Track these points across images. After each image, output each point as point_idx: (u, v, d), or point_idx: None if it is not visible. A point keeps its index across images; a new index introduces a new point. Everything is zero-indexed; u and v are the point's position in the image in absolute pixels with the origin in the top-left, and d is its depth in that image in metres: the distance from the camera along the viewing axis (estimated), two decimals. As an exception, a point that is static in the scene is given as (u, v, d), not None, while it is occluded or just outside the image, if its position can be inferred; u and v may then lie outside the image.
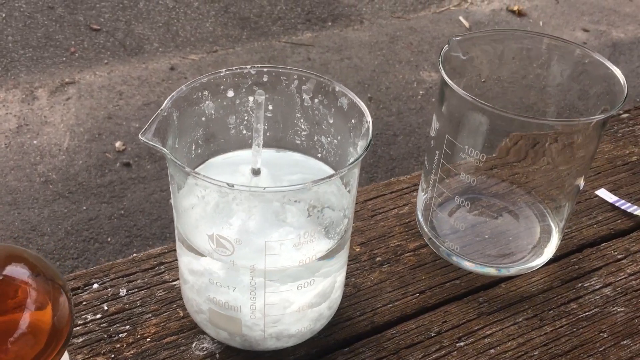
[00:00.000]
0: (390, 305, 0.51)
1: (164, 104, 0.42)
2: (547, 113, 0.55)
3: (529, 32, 0.54)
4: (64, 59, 1.68)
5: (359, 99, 0.43)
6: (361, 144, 0.42)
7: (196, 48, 1.79)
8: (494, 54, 0.55)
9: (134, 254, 0.53)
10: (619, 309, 0.52)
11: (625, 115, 0.77)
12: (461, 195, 0.54)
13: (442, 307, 0.52)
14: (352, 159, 0.41)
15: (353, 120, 0.44)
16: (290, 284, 0.42)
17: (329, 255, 0.43)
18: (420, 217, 0.57)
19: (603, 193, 0.64)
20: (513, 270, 0.54)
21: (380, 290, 0.53)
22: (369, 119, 0.42)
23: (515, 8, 2.63)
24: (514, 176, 0.58)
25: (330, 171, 0.47)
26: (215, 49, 1.80)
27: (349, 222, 0.45)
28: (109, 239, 1.20)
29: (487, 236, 0.55)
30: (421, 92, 1.79)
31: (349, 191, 0.43)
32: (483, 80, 0.54)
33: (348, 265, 0.55)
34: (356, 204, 0.62)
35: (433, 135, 0.52)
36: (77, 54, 1.69)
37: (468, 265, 0.54)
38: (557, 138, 0.50)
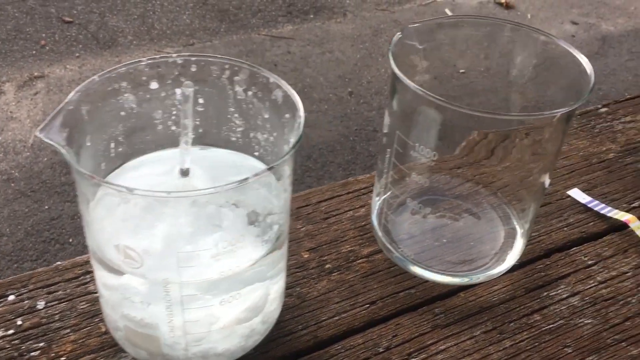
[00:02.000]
0: (337, 318, 0.47)
1: (69, 96, 0.37)
2: (512, 107, 0.51)
3: (493, 19, 0.50)
4: (34, 52, 1.62)
5: (293, 91, 0.39)
6: (293, 141, 0.37)
7: (172, 41, 1.73)
8: (454, 43, 0.51)
9: (58, 262, 0.49)
10: (586, 321, 0.48)
11: (604, 109, 0.72)
12: (415, 198, 0.50)
13: (394, 320, 0.47)
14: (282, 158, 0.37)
15: (287, 115, 0.39)
16: (212, 299, 0.37)
17: (259, 264, 0.39)
18: (374, 221, 0.52)
19: (575, 193, 0.60)
20: (474, 279, 0.50)
21: (327, 300, 0.48)
22: (302, 113, 0.37)
23: (503, 0, 2.58)
24: (478, 176, 0.54)
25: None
26: (192, 42, 1.75)
27: (284, 226, 0.40)
28: (70, 240, 1.16)
29: (445, 241, 0.51)
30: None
31: (284, 190, 0.39)
32: (441, 71, 0.50)
33: (294, 273, 0.50)
34: (308, 205, 0.57)
35: (385, 131, 0.48)
36: (47, 47, 1.64)
37: (424, 273, 0.50)
38: (520, 134, 0.46)
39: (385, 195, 0.51)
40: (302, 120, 0.37)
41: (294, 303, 0.48)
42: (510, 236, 0.52)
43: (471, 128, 0.44)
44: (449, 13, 2.37)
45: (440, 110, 0.43)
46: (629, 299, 0.50)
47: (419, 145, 0.44)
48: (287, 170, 0.38)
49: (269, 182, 0.38)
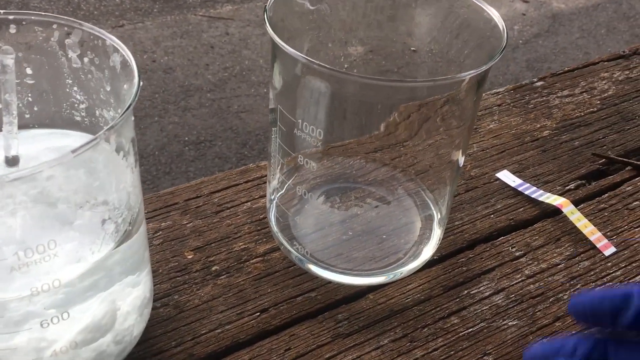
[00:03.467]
0: (219, 331, 0.39)
1: None
2: (419, 74, 0.44)
3: None
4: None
5: (131, 55, 0.31)
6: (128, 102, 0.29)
7: (99, 22, 1.62)
8: (353, 2, 0.43)
9: None
10: (510, 323, 0.41)
11: (540, 83, 0.66)
12: (316, 188, 0.42)
13: (289, 330, 0.40)
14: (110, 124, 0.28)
15: (125, 87, 0.31)
16: (27, 322, 0.29)
17: (93, 272, 0.31)
18: (270, 214, 0.45)
19: (505, 175, 0.53)
20: (383, 278, 0.43)
21: (210, 310, 0.41)
22: (136, 80, 0.29)
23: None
24: (387, 158, 0.47)
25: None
26: (122, 23, 1.64)
27: (130, 217, 0.32)
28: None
29: (351, 234, 0.44)
30: (346, 66, 1.67)
31: (128, 166, 0.31)
32: (333, 37, 0.43)
33: (173, 277, 0.43)
34: (199, 197, 0.49)
35: (270, 107, 0.40)
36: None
37: (325, 273, 0.42)
38: (428, 106, 0.39)
39: (277, 184, 0.43)
40: (136, 82, 0.29)
41: (169, 314, 0.40)
42: (427, 226, 0.45)
43: (366, 101, 0.36)
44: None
45: (326, 80, 0.35)
46: (560, 294, 0.43)
47: (302, 122, 0.36)
48: (125, 140, 0.30)
49: (99, 160, 0.30)
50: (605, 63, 0.70)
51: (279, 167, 0.42)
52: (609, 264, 0.46)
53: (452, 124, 0.38)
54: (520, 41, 2.04)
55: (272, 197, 0.44)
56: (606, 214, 0.50)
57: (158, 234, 0.46)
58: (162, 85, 1.47)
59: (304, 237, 0.43)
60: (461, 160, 0.41)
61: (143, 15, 1.68)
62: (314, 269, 0.42)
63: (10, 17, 0.32)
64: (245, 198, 0.49)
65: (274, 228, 0.44)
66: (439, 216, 0.44)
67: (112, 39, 0.31)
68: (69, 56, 0.33)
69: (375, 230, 0.45)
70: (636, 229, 0.49)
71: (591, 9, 2.30)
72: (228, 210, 0.48)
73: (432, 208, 0.45)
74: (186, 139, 1.34)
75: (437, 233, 0.44)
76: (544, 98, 0.64)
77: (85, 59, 0.33)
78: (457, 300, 0.43)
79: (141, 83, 0.29)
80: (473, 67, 0.34)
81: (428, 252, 0.44)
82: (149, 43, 1.60)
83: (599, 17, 2.24)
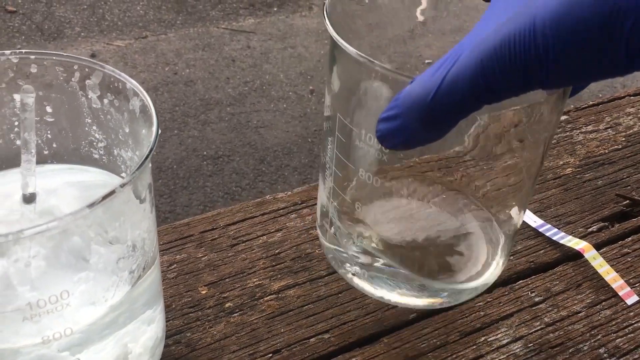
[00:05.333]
0: (230, 372, 0.39)
1: None
2: None
3: None
4: (-27, 43, 1.52)
5: (150, 100, 0.31)
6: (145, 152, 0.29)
7: (123, 33, 1.63)
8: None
9: None
10: (528, 375, 0.40)
11: (564, 117, 0.65)
12: (364, 202, 0.41)
13: (300, 373, 0.39)
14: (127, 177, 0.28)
15: (144, 131, 0.31)
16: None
17: (107, 314, 0.30)
18: (319, 230, 0.43)
19: (526, 215, 0.52)
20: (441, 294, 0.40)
21: (222, 349, 0.40)
22: (155, 128, 0.29)
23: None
24: (451, 178, 0.44)
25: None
26: (145, 34, 1.65)
27: (149, 261, 0.32)
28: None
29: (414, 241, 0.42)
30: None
31: (145, 214, 0.30)
32: (390, 35, 0.41)
33: (186, 313, 0.42)
34: (215, 229, 0.49)
35: (326, 115, 0.39)
36: (-13, 38, 1.53)
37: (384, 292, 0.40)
38: (499, 119, 0.36)
39: (330, 197, 0.41)
40: (155, 130, 0.29)
41: (181, 353, 0.40)
42: (493, 252, 0.43)
43: None
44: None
45: (390, 84, 0.32)
46: (580, 345, 0.42)
47: (365, 132, 0.35)
48: (142, 187, 0.30)
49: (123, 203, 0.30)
50: (632, 97, 0.68)
51: (330, 179, 0.39)
52: (631, 313, 0.45)
53: (533, 138, 0.36)
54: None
55: (323, 209, 0.42)
56: (629, 259, 0.49)
57: (173, 266, 0.45)
58: (182, 98, 1.48)
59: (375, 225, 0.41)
60: (530, 186, 0.39)
61: (166, 27, 1.69)
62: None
63: (32, 56, 0.33)
64: (261, 232, 0.49)
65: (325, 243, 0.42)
66: (505, 245, 0.42)
67: (132, 83, 0.31)
68: (89, 96, 0.33)
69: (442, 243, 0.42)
70: (660, 277, 0.47)
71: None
72: (243, 244, 0.48)
73: (499, 233, 0.43)
74: (205, 153, 1.34)
75: (501, 262, 0.42)
76: (568, 133, 0.63)
77: (105, 100, 0.33)
78: (474, 347, 0.42)
79: (159, 131, 0.29)
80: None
81: (488, 277, 0.41)
82: (171, 55, 1.62)
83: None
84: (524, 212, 0.41)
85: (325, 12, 0.34)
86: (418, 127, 0.26)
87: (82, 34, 1.59)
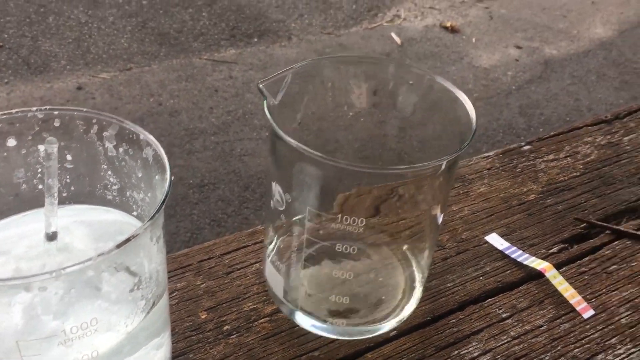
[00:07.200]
0: (231, 388, 0.43)
1: None
2: (392, 155, 0.49)
3: (347, 56, 0.48)
4: (-40, 77, 1.54)
5: (162, 150, 0.35)
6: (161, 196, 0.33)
7: (108, 66, 1.68)
8: (315, 90, 0.49)
9: None
10: (496, 383, 0.45)
11: (527, 147, 0.71)
12: (306, 247, 0.46)
13: (294, 388, 0.44)
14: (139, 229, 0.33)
15: (157, 177, 0.36)
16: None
17: (125, 340, 0.35)
18: (266, 275, 0.49)
19: (493, 239, 0.57)
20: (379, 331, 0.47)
21: (222, 368, 0.45)
22: (168, 175, 0.34)
23: (449, 24, 2.61)
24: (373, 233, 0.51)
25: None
26: (130, 66, 1.70)
27: (162, 291, 0.36)
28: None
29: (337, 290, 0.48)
30: (350, 114, 1.73)
31: (159, 250, 0.35)
32: (298, 122, 0.48)
33: (188, 337, 0.46)
34: (211, 258, 0.53)
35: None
36: (-26, 72, 1.56)
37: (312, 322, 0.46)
38: (401, 187, 0.43)
39: (273, 245, 0.47)
40: (168, 180, 0.33)
41: (185, 372, 0.44)
42: (410, 286, 0.49)
43: (347, 183, 0.41)
44: (395, 37, 2.38)
45: (315, 165, 0.39)
46: (542, 356, 0.47)
47: (294, 201, 0.41)
48: (157, 228, 0.34)
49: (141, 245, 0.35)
50: (589, 127, 0.75)
51: (274, 228, 0.46)
52: (587, 326, 0.50)
53: (429, 200, 0.43)
54: (514, 87, 2.11)
55: (270, 256, 0.48)
56: (586, 277, 0.54)
57: (174, 294, 0.50)
58: (167, 128, 1.53)
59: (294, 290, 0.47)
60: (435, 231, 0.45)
61: (150, 59, 1.74)
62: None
63: (55, 112, 0.37)
64: (253, 259, 0.53)
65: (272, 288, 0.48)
66: (424, 275, 0.48)
67: (146, 135, 0.36)
68: (106, 146, 0.38)
69: (361, 286, 0.48)
70: (613, 292, 0.53)
71: (582, 56, 2.38)
72: (238, 272, 0.52)
73: (416, 269, 0.49)
74: (190, 181, 1.38)
75: (418, 292, 0.48)
76: (531, 162, 0.69)
77: (120, 149, 0.38)
78: (448, 360, 0.47)
79: (172, 177, 0.34)
80: (445, 147, 0.38)
81: (409, 309, 0.48)
82: (155, 86, 1.66)
83: (589, 64, 2.32)
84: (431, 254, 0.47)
85: (266, 108, 0.41)
86: None
87: (68, 67, 1.63)
